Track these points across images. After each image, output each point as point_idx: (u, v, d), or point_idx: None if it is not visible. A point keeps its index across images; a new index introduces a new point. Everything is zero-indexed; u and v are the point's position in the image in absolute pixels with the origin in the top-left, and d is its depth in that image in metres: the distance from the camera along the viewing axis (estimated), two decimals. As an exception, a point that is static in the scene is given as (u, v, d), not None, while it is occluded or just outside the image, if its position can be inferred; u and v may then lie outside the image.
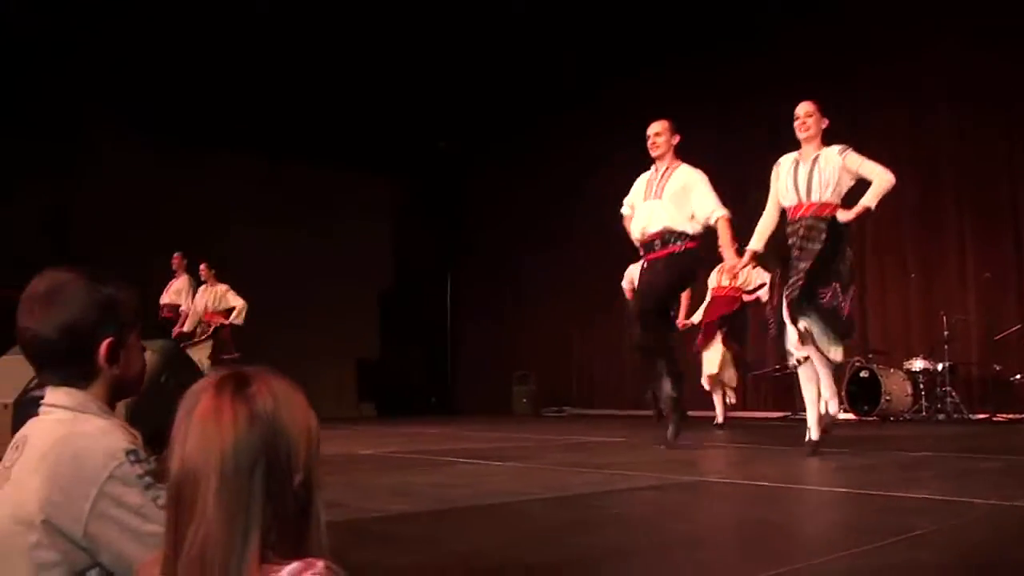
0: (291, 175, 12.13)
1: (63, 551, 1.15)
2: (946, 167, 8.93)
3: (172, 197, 10.49)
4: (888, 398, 7.98)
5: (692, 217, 5.27)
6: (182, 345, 7.33)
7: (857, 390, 8.23)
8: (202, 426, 0.90)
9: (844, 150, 4.82)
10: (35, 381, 2.07)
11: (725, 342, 7.65)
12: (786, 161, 4.97)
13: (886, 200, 4.80)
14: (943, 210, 8.96)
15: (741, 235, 5.31)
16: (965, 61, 8.58)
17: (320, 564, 0.88)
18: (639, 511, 3.18)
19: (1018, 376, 7.78)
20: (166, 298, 9.44)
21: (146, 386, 1.39)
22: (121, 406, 1.38)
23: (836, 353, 4.82)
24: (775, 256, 5.08)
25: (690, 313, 7.95)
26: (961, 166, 8.84)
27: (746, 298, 7.67)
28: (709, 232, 5.36)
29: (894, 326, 9.20)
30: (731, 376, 7.84)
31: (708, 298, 7.87)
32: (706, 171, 5.39)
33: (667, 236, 5.26)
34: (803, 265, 4.66)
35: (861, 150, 4.88)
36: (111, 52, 9.81)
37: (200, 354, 8.47)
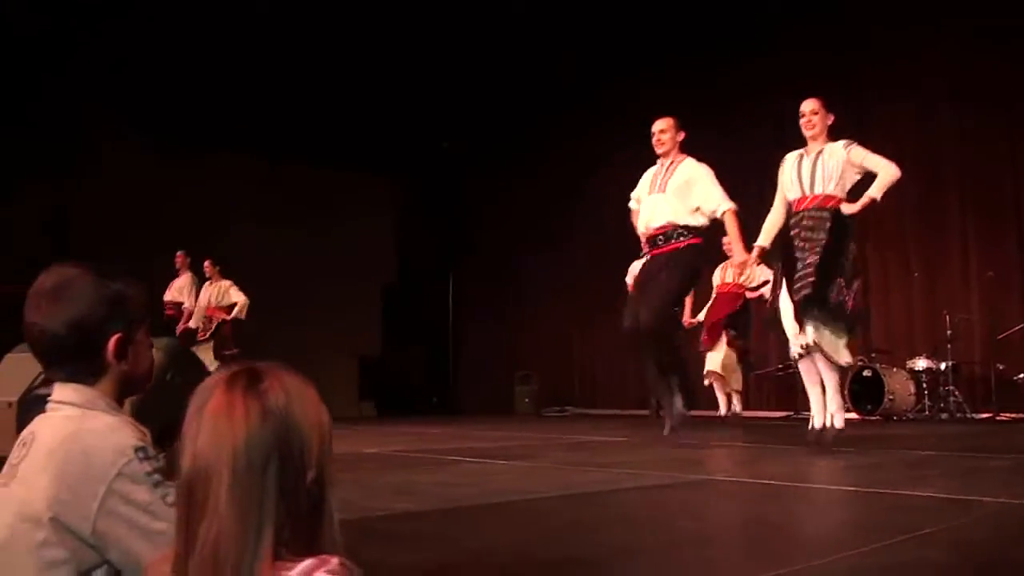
0: (292, 175, 12.12)
1: (71, 549, 1.14)
2: (948, 167, 8.91)
3: (172, 197, 10.47)
4: (891, 397, 7.96)
5: (696, 210, 5.24)
6: (188, 345, 7.35)
7: (860, 389, 8.21)
8: (214, 422, 0.89)
9: (849, 144, 4.83)
10: (39, 379, 2.06)
11: (731, 343, 7.64)
12: (791, 157, 5.00)
13: (889, 200, 4.80)
14: (946, 209, 8.94)
15: (743, 234, 5.30)
16: (965, 61, 8.56)
17: (334, 561, 0.87)
18: (647, 509, 3.17)
19: (1021, 375, 7.75)
20: (169, 296, 9.44)
21: (152, 384, 1.38)
22: (127, 404, 1.37)
23: (845, 356, 4.82)
24: (780, 253, 5.07)
25: (695, 311, 7.94)
26: (964, 166, 8.82)
27: (749, 295, 7.66)
28: (711, 229, 5.34)
29: (897, 325, 9.18)
30: (737, 379, 7.82)
31: (713, 295, 7.85)
32: (706, 171, 5.38)
33: (671, 231, 5.25)
34: (811, 259, 4.65)
35: (864, 147, 4.88)
36: (111, 52, 9.79)
37: (207, 354, 8.48)
